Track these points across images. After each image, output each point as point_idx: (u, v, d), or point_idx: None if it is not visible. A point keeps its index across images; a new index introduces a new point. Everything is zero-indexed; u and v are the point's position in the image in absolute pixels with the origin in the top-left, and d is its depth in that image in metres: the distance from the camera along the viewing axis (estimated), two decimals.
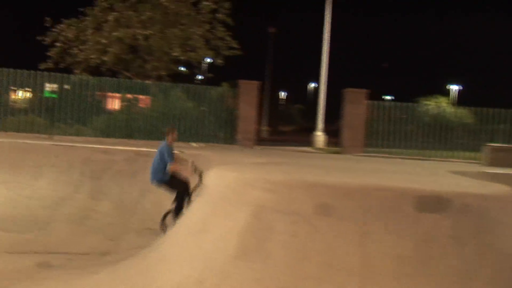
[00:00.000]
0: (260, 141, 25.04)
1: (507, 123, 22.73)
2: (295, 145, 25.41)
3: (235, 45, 25.17)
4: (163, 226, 11.19)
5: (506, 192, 7.91)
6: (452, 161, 19.42)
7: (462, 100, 48.76)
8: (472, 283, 6.51)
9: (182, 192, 11.50)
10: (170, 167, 11.37)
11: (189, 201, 11.33)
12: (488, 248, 6.82)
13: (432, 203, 6.89)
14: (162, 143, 11.71)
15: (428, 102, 25.06)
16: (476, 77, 62.52)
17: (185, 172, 11.79)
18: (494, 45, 63.35)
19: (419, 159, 18.97)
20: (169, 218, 11.29)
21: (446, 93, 50.89)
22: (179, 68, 27.99)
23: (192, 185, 11.55)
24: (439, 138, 22.87)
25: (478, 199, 7.23)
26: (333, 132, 26.09)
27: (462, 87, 60.96)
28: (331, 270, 6.59)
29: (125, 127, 21.27)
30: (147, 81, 23.61)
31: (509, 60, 32.43)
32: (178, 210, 11.24)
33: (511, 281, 6.70)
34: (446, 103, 26.11)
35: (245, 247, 6.99)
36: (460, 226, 6.83)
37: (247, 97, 22.06)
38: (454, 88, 60.04)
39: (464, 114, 23.88)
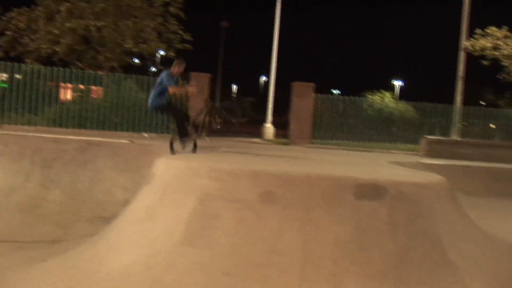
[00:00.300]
0: (212, 132, 25.16)
1: (443, 117, 23.78)
2: (245, 137, 25.53)
3: (188, 38, 25.26)
4: (172, 151, 11.50)
5: (438, 181, 8.40)
6: (393, 153, 19.90)
7: (404, 95, 50.08)
8: (405, 264, 6.87)
9: (181, 120, 11.70)
10: (171, 90, 11.53)
11: (192, 128, 11.74)
12: (420, 233, 7.22)
13: (370, 191, 7.26)
14: (163, 72, 11.85)
15: (372, 97, 25.77)
16: (417, 74, 64.30)
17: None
18: (434, 45, 65.11)
19: (363, 151, 19.41)
20: (176, 144, 11.65)
21: (391, 88, 51.94)
22: (132, 60, 27.91)
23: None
24: (382, 131, 23.67)
25: (412, 187, 7.67)
26: (282, 124, 26.46)
27: (404, 83, 62.39)
28: (275, 255, 6.84)
29: (78, 117, 21.17)
30: (99, 72, 23.49)
31: (447, 59, 33.75)
32: (183, 135, 11.59)
33: (440, 261, 7.09)
34: (389, 97, 26.82)
35: (191, 234, 7.18)
36: (396, 212, 7.22)
37: (199, 89, 22.20)
38: (397, 83, 61.29)
39: (406, 108, 24.74)
